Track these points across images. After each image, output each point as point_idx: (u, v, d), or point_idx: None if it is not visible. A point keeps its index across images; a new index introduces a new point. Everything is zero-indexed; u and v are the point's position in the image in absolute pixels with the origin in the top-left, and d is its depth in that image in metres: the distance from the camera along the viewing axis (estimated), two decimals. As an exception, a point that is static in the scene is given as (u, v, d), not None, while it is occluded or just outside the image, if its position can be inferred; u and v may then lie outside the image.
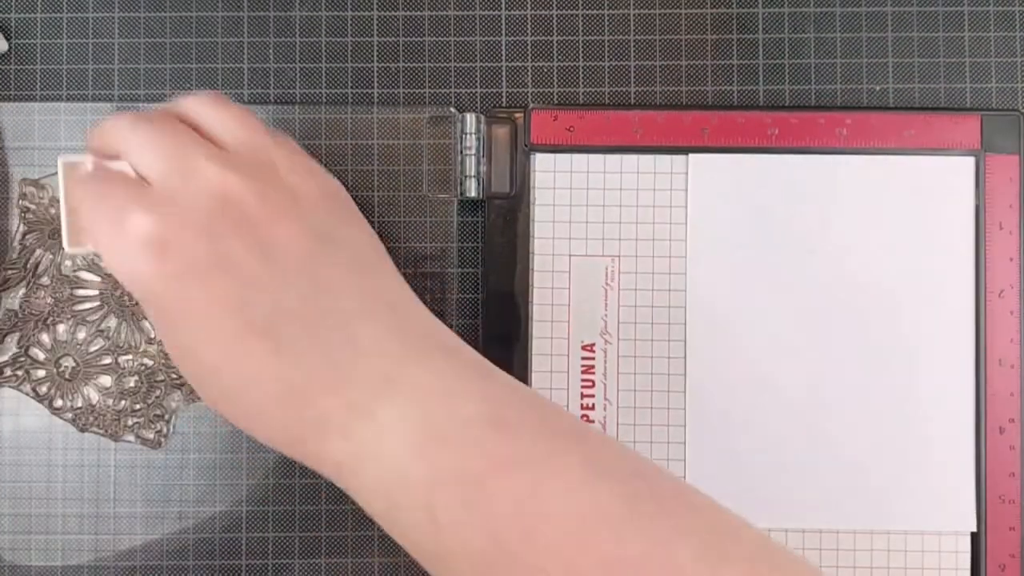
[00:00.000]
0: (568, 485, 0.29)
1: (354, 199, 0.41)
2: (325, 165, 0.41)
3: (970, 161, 0.41)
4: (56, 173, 0.41)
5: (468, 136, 0.41)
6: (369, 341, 0.31)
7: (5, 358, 0.41)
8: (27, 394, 0.41)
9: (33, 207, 0.41)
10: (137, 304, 0.41)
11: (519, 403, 0.31)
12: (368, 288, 0.33)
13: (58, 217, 0.41)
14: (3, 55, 0.42)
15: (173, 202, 0.31)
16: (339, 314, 0.32)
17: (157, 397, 0.41)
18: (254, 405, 0.31)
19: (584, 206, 0.41)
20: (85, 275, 0.41)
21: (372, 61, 0.43)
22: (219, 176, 0.32)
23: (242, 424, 0.32)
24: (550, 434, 0.31)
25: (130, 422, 0.41)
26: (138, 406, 0.41)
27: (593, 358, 0.41)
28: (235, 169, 0.32)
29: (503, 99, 0.43)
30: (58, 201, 0.41)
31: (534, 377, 0.41)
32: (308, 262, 0.32)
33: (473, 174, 0.41)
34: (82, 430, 0.41)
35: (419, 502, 0.30)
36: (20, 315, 0.41)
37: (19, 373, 0.41)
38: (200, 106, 0.34)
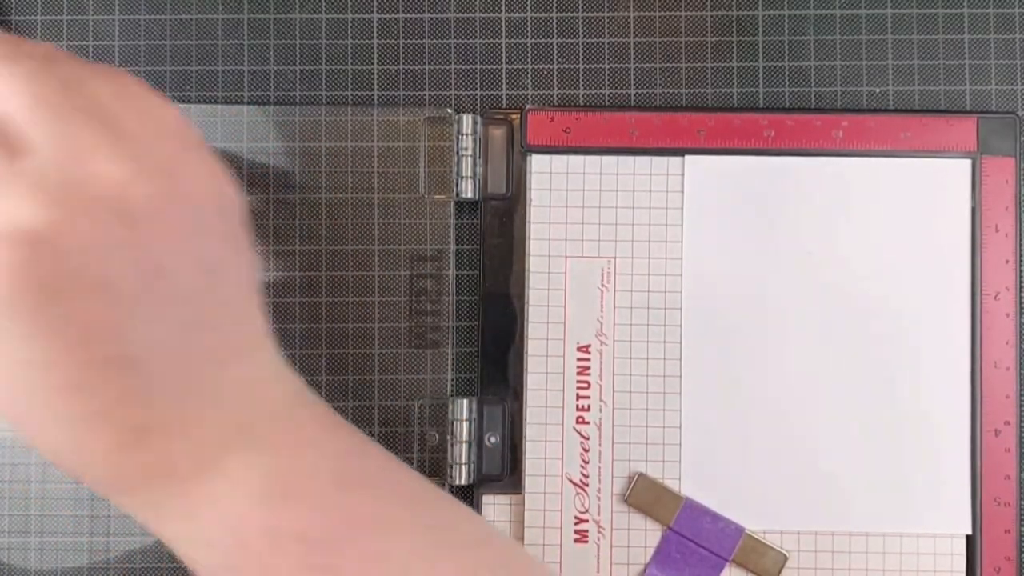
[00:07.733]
0: (412, 551, 0.29)
1: (354, 201, 0.41)
2: (325, 166, 0.41)
3: (966, 163, 0.41)
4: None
5: (465, 137, 0.41)
6: (233, 385, 0.29)
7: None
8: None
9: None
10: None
11: (368, 462, 0.30)
12: (241, 326, 0.30)
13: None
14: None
15: (63, 194, 0.25)
16: (212, 352, 0.28)
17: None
18: (77, 448, 0.27)
19: (580, 207, 0.41)
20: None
21: (372, 63, 0.43)
22: (122, 180, 0.26)
23: (51, 458, 0.27)
24: (395, 497, 0.30)
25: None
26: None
27: (589, 359, 0.41)
28: (141, 176, 0.26)
29: (503, 101, 0.43)
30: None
31: (530, 378, 0.41)
32: (193, 294, 0.28)
33: (469, 175, 0.41)
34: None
35: (256, 557, 0.28)
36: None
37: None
38: (109, 86, 0.27)
